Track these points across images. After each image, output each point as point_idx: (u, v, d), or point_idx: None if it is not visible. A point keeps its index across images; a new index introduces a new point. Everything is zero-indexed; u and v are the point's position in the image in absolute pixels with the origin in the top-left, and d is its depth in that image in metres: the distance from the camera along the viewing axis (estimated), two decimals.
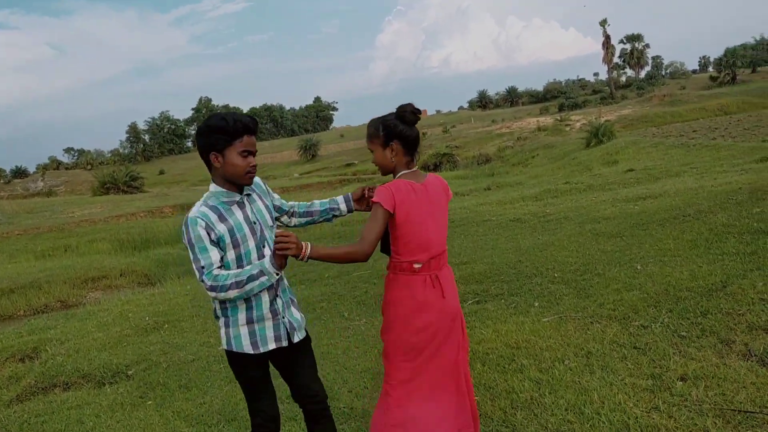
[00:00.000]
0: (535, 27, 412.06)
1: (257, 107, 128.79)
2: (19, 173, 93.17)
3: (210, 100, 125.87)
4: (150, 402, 5.03)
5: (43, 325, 8.68)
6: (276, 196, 3.13)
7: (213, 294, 2.68)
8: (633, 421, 3.35)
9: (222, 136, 2.70)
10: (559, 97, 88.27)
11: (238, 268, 2.76)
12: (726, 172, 12.85)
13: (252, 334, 2.84)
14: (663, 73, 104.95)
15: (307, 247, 2.68)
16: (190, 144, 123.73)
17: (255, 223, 2.84)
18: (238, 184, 2.81)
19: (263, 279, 2.70)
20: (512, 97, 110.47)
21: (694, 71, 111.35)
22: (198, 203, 2.79)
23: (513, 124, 57.03)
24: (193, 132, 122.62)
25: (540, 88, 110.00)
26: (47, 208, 35.46)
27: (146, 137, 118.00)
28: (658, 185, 12.60)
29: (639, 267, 6.10)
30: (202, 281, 2.67)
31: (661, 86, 78.14)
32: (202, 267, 2.67)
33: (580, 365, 4.21)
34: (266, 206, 2.97)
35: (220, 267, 2.70)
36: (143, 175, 52.43)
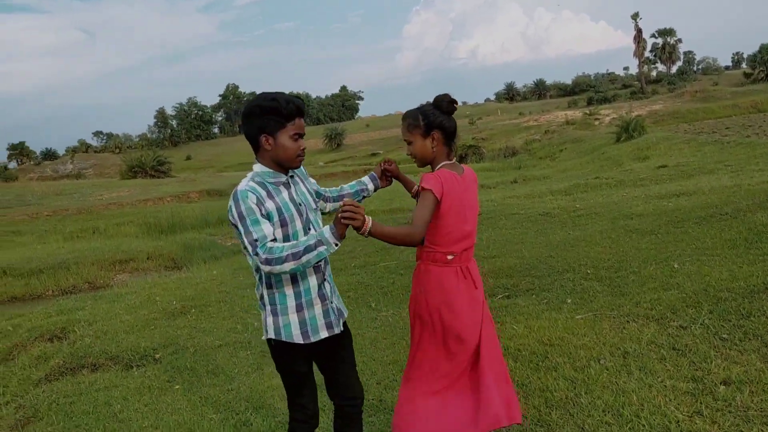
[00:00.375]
0: (565, 19, 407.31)
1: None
2: (49, 155, 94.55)
3: (237, 87, 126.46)
4: (177, 386, 5.02)
5: (72, 306, 8.74)
6: (312, 181, 3.07)
7: (268, 268, 2.53)
8: (674, 426, 3.24)
9: (275, 117, 2.63)
10: (588, 90, 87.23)
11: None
12: (762, 170, 12.55)
13: (303, 323, 2.74)
14: (695, 68, 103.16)
15: (370, 221, 2.58)
16: (216, 130, 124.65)
17: (300, 204, 2.77)
18: (287, 167, 2.75)
19: (321, 249, 2.53)
20: (540, 90, 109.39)
21: (726, 67, 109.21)
22: (244, 180, 2.69)
23: (540, 117, 56.43)
24: (221, 118, 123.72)
25: (568, 81, 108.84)
26: (76, 191, 35.92)
27: (174, 123, 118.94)
28: (692, 182, 12.35)
29: (676, 266, 5.95)
30: (256, 254, 2.53)
31: (692, 82, 76.86)
32: (256, 240, 2.54)
33: (617, 365, 4.10)
34: (308, 190, 2.91)
35: (273, 240, 2.60)
36: (170, 160, 52.84)
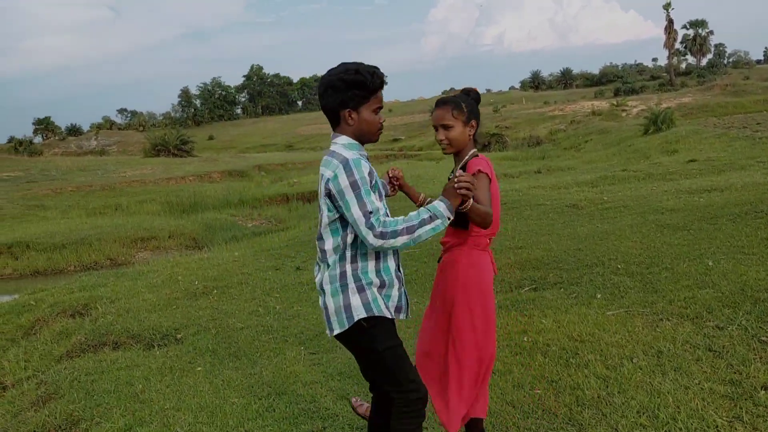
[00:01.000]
0: (594, 7, 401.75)
1: (307, 77, 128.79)
2: (74, 131, 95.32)
3: (261, 68, 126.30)
4: (199, 368, 4.97)
5: (94, 282, 8.76)
6: None
7: (381, 242, 2.45)
8: (713, 431, 3.12)
9: (359, 92, 2.56)
10: (616, 81, 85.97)
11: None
12: None
13: (387, 298, 2.66)
14: (725, 61, 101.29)
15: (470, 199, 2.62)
16: (239, 111, 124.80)
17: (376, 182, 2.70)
18: (366, 141, 2.69)
19: (437, 223, 2.48)
20: (566, 79, 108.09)
21: (758, 61, 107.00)
22: (344, 151, 2.57)
23: (566, 107, 55.73)
24: (244, 99, 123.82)
25: (595, 71, 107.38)
26: (100, 167, 36.20)
27: (197, 102, 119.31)
28: (723, 178, 12.07)
29: (710, 263, 5.78)
30: (371, 227, 2.44)
31: (723, 75, 75.42)
32: (370, 212, 2.45)
33: (651, 365, 3.97)
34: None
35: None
36: (193, 139, 53.07)
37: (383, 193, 2.75)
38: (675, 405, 3.40)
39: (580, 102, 59.01)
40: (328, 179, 2.50)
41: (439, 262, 3.14)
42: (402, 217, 2.49)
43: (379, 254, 2.64)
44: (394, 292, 2.70)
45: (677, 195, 10.20)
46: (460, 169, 2.98)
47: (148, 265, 10.23)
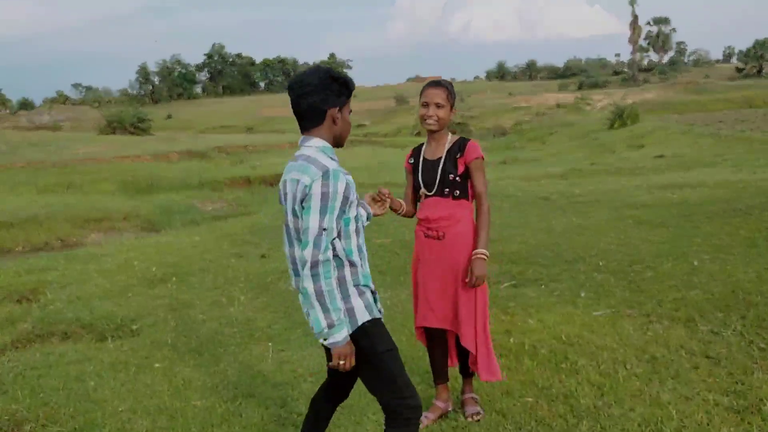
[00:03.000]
0: (560, 1, 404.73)
1: (270, 59, 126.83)
2: (26, 105, 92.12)
3: (223, 46, 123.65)
4: (157, 365, 4.57)
5: (43, 266, 8.21)
6: None
7: (309, 266, 2.33)
8: None
9: (345, 92, 2.53)
10: (579, 75, 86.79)
11: (356, 228, 2.52)
12: (764, 167, 12.30)
13: (372, 301, 2.58)
14: (686, 59, 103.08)
15: (483, 253, 3.23)
16: (199, 90, 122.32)
17: None
18: (340, 144, 2.62)
19: (322, 323, 2.36)
20: (531, 71, 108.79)
21: (717, 61, 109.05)
22: (321, 157, 2.46)
23: (531, 99, 55.96)
24: (204, 78, 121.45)
25: (559, 64, 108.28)
26: (52, 143, 34.86)
27: (156, 80, 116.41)
28: (692, 174, 12.07)
29: (695, 263, 5.61)
30: (315, 245, 2.32)
31: (683, 73, 76.80)
32: (324, 230, 2.35)
33: (646, 371, 3.75)
34: None
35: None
36: (150, 117, 51.58)
37: (365, 214, 2.72)
38: (678, 418, 3.17)
39: (545, 94, 59.33)
40: (306, 185, 2.39)
41: (439, 239, 3.28)
42: (335, 286, 2.39)
43: (363, 257, 2.57)
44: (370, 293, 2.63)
45: (649, 190, 10.11)
46: (452, 148, 3.29)
47: (101, 248, 9.69)
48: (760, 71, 70.19)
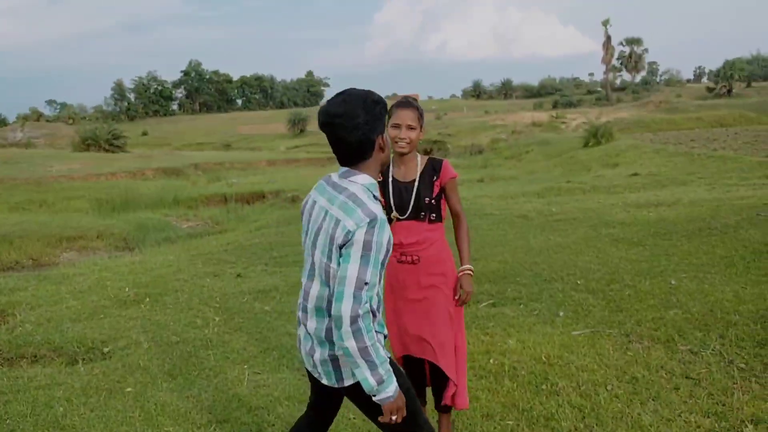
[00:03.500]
0: (535, 20, 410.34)
1: (248, 76, 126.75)
2: None
3: (200, 63, 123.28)
4: (129, 389, 4.44)
5: (13, 286, 8.00)
6: None
7: (346, 327, 2.10)
8: None
9: (387, 111, 2.33)
10: (554, 93, 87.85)
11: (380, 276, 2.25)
12: (737, 185, 12.44)
13: (382, 340, 2.37)
14: (658, 79, 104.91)
15: (468, 270, 3.32)
16: (175, 107, 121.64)
17: None
18: (381, 170, 2.42)
19: (371, 381, 2.15)
20: (506, 90, 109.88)
21: (688, 80, 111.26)
22: (367, 200, 2.21)
23: (507, 117, 56.46)
24: (180, 95, 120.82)
25: (534, 82, 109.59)
26: (25, 160, 34.35)
27: (131, 96, 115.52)
28: (667, 192, 12.17)
29: (673, 282, 5.62)
30: (355, 299, 2.09)
31: (656, 92, 78.05)
32: (366, 283, 2.11)
33: (627, 393, 3.71)
34: None
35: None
36: (126, 134, 51.06)
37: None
38: None
39: (520, 113, 59.88)
40: (350, 231, 2.14)
41: (414, 263, 3.18)
42: (375, 337, 2.16)
43: (381, 304, 2.35)
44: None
45: (625, 208, 10.17)
46: (426, 169, 3.21)
47: (74, 268, 9.49)
48: (729, 91, 71.61)
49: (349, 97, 2.23)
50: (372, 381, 2.13)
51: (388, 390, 2.16)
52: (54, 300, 7.06)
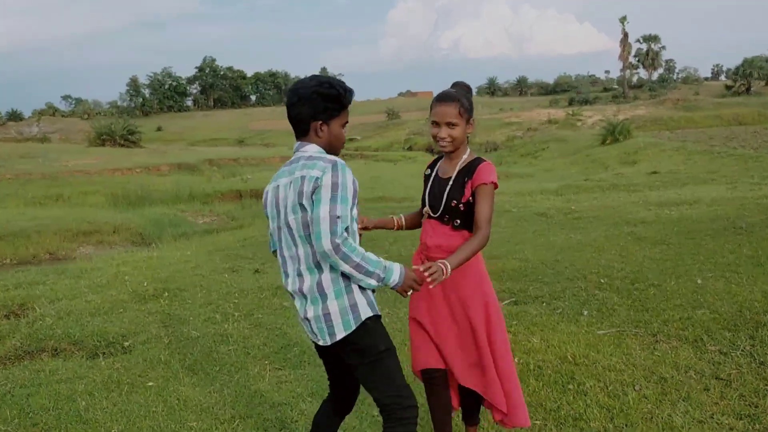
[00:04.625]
0: (549, 17, 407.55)
1: (262, 72, 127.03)
2: (14, 116, 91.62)
3: (214, 60, 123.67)
4: (151, 383, 4.43)
5: (32, 280, 8.04)
6: None
7: (332, 253, 2.34)
8: None
9: (332, 105, 2.55)
10: (570, 91, 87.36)
11: (356, 229, 2.54)
12: (759, 184, 12.29)
13: (372, 298, 2.58)
14: (675, 77, 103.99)
15: (447, 267, 2.60)
16: (190, 103, 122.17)
17: None
18: (332, 154, 2.60)
19: (376, 281, 2.44)
20: (521, 87, 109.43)
21: (706, 78, 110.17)
22: (324, 155, 2.54)
23: (522, 114, 56.19)
24: (195, 91, 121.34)
25: (549, 80, 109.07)
26: (41, 155, 34.62)
27: (146, 92, 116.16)
28: (688, 191, 12.04)
29: (699, 281, 5.53)
30: (333, 232, 2.33)
31: (673, 90, 77.43)
32: (338, 217, 2.36)
33: (656, 393, 3.64)
34: None
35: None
36: (141, 130, 51.33)
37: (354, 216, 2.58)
38: None
39: (536, 110, 59.59)
40: (317, 177, 2.42)
41: None
42: (362, 250, 2.43)
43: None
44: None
45: (646, 207, 10.06)
46: (463, 169, 2.90)
47: (92, 262, 9.52)
48: (748, 89, 70.88)
49: (305, 80, 2.59)
50: (375, 283, 2.44)
51: (394, 276, 2.46)
52: (73, 294, 7.07)
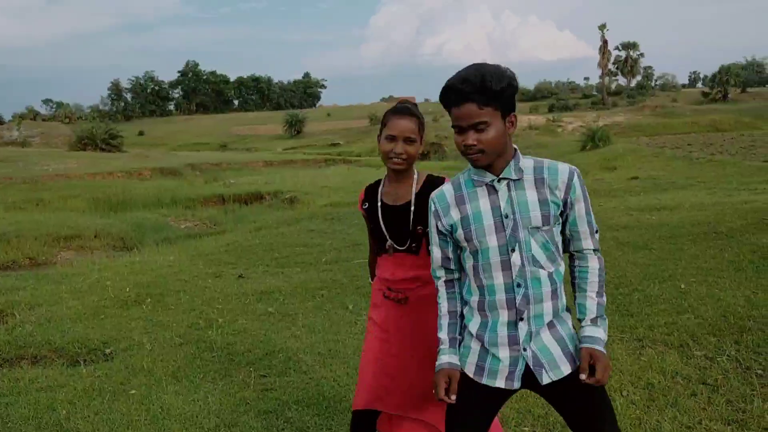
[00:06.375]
0: (531, 24, 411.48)
1: (245, 77, 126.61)
2: None
3: (197, 64, 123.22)
4: (133, 391, 4.36)
5: (11, 285, 7.91)
6: (584, 205, 2.19)
7: None
8: None
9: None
10: (550, 97, 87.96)
11: (473, 265, 2.16)
12: (738, 189, 12.41)
13: (481, 355, 2.18)
14: (653, 84, 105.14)
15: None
16: (172, 107, 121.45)
17: (507, 216, 2.11)
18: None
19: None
20: None
21: (683, 85, 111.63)
22: (455, 176, 2.31)
23: None
24: (177, 96, 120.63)
25: (530, 86, 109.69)
26: (21, 158, 34.18)
27: (128, 96, 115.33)
28: (668, 197, 12.13)
29: (683, 286, 5.56)
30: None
31: (651, 97, 78.27)
32: (431, 256, 2.32)
33: (644, 399, 3.65)
34: (543, 200, 2.11)
35: (448, 268, 2.28)
36: (122, 134, 50.86)
37: (476, 232, 2.14)
38: None
39: (517, 116, 59.79)
40: None
41: (402, 302, 2.67)
42: (449, 318, 2.28)
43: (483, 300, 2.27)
44: (503, 355, 2.21)
45: (628, 212, 10.12)
46: (424, 192, 2.58)
47: (73, 267, 9.39)
48: (725, 96, 71.84)
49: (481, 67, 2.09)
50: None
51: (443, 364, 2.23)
52: (54, 300, 6.97)
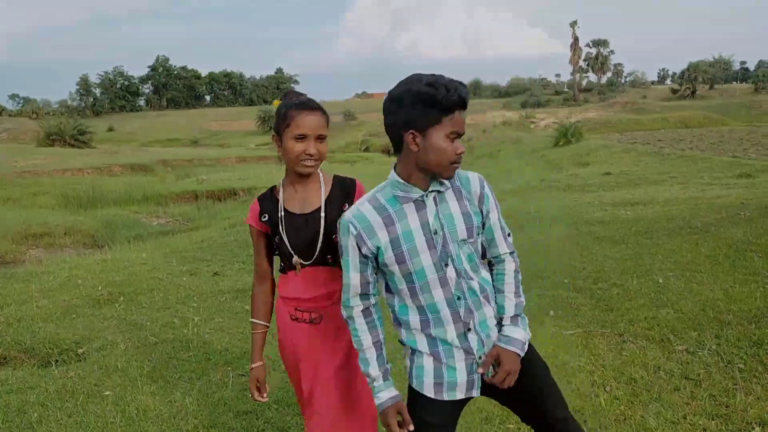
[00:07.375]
0: (503, 21, 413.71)
1: (216, 72, 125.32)
2: None
3: (167, 59, 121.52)
4: (108, 393, 4.24)
5: None
6: (497, 212, 2.18)
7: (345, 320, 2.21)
8: None
9: (428, 109, 1.94)
10: (523, 93, 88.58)
11: (408, 287, 2.08)
12: (710, 184, 12.59)
13: (438, 372, 2.11)
14: (623, 80, 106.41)
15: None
16: (142, 102, 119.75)
17: (436, 232, 2.04)
18: (437, 175, 2.02)
19: (372, 383, 2.15)
20: (476, 89, 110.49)
21: (652, 82, 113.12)
22: (367, 194, 2.13)
23: (476, 117, 56.74)
24: (147, 91, 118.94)
25: (503, 83, 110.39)
26: None
27: (97, 91, 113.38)
28: (641, 191, 12.25)
29: (661, 280, 5.59)
30: (341, 301, 2.19)
31: (621, 93, 79.25)
32: (344, 284, 2.15)
33: (627, 394, 3.64)
34: (466, 212, 2.08)
35: (366, 295, 2.15)
36: (92, 130, 50.05)
37: (409, 253, 2.03)
38: None
39: (490, 111, 60.21)
40: None
41: (314, 322, 2.42)
42: (368, 340, 2.15)
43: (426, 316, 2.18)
44: (459, 366, 2.18)
45: (602, 207, 10.19)
46: (333, 196, 2.40)
47: (42, 266, 9.16)
48: (693, 93, 73.01)
49: (404, 81, 2.03)
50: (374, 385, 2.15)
51: (382, 400, 2.12)
52: (23, 299, 6.79)
